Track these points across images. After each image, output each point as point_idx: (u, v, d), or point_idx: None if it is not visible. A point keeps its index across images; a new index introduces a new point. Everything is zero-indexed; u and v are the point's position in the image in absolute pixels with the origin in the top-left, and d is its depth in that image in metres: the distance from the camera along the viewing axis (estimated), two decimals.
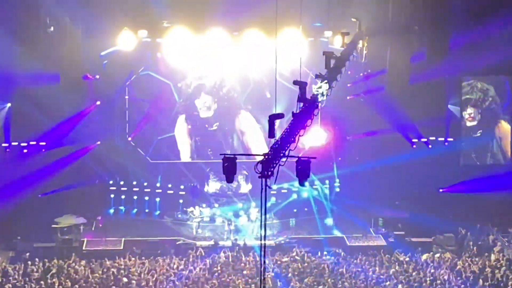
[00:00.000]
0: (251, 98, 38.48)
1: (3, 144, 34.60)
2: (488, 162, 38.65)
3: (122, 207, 37.21)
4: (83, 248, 32.53)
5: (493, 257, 31.09)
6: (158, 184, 38.05)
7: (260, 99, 38.07)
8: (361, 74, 37.02)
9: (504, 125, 38.52)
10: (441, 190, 36.89)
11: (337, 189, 38.52)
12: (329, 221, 36.32)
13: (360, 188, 37.03)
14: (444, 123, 37.86)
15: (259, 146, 37.96)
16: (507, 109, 38.48)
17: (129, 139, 37.95)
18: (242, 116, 38.75)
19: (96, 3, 32.99)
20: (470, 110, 38.28)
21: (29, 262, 29.55)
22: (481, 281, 27.67)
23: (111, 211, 36.97)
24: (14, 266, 29.46)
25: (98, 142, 36.62)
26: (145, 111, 38.02)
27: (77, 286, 27.06)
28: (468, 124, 38.38)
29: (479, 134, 38.46)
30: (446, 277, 28.08)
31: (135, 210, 37.24)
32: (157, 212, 37.23)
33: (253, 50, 36.10)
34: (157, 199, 37.46)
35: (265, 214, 15.89)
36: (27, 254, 30.81)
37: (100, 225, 35.07)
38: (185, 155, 38.73)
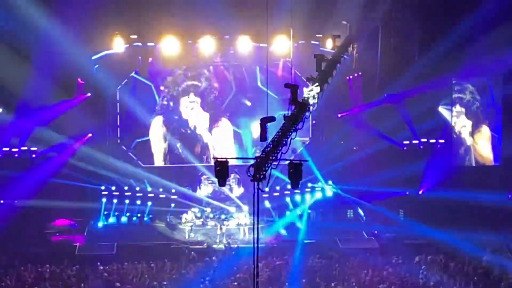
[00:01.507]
0: (232, 104, 38.68)
1: None
2: (466, 164, 38.62)
3: (112, 215, 37.13)
4: (76, 253, 32.42)
5: (485, 258, 31.10)
6: (149, 189, 37.98)
7: (241, 106, 38.44)
8: (351, 77, 37.15)
9: (484, 129, 38.48)
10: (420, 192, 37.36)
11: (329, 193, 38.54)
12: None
13: (352, 190, 37.16)
14: (435, 125, 37.92)
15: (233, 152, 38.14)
16: (489, 114, 38.43)
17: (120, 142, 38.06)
18: (222, 122, 38.81)
19: (88, 7, 32.99)
20: (459, 108, 38.21)
21: (22, 268, 29.46)
22: (473, 283, 27.69)
23: (100, 222, 36.79)
24: (7, 272, 29.33)
25: (90, 134, 36.52)
26: (135, 115, 38.02)
27: None
28: (455, 124, 38.29)
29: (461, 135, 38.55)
30: (439, 279, 28.12)
31: (127, 214, 37.14)
32: (149, 217, 37.13)
33: (244, 54, 36.35)
34: (149, 203, 37.38)
35: (258, 217, 15.90)
36: (18, 259, 30.74)
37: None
38: (159, 158, 38.74)
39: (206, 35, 35.59)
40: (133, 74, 37.57)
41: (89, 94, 36.06)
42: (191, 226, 35.27)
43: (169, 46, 35.74)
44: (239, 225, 35.33)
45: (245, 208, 36.62)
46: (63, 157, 35.72)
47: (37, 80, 32.94)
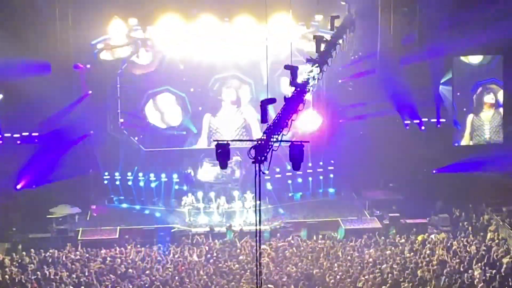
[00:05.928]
0: None
1: None
2: (480, 143, 38.57)
3: (119, 197, 37.22)
4: (79, 237, 32.43)
5: (488, 236, 31.18)
6: (152, 174, 37.92)
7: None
8: (352, 58, 37.02)
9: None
10: (434, 172, 37.12)
11: (331, 175, 38.54)
12: None
13: (354, 170, 37.18)
14: (435, 104, 37.86)
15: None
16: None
17: (122, 127, 38.06)
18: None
19: None
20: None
21: (24, 253, 29.55)
22: (476, 260, 27.72)
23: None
24: (10, 257, 29.45)
25: (91, 132, 36.59)
26: (137, 99, 38.05)
27: (74, 276, 27.05)
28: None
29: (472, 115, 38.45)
30: (441, 258, 28.15)
31: (130, 198, 37.19)
32: (152, 200, 37.18)
33: (244, 37, 36.22)
34: (152, 186, 37.40)
35: (259, 199, 15.89)
36: (21, 245, 30.85)
37: (95, 215, 35.06)
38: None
39: (206, 16, 35.44)
40: (132, 58, 37.49)
41: (90, 92, 36.06)
42: (193, 209, 35.29)
43: (168, 29, 35.60)
44: (242, 207, 35.34)
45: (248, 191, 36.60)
46: (66, 143, 35.73)
47: (36, 66, 32.97)
